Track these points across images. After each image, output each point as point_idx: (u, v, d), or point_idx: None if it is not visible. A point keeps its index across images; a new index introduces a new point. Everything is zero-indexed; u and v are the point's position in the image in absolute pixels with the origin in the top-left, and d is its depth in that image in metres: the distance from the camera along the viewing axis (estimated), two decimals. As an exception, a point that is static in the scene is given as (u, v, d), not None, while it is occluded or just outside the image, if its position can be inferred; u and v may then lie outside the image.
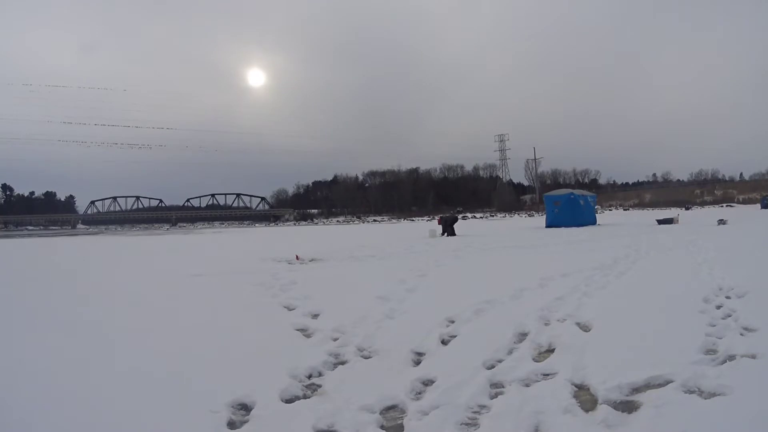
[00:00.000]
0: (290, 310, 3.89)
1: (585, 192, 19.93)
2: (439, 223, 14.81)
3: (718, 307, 3.48)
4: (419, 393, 2.29)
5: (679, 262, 5.87)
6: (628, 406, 2.05)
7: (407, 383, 2.36)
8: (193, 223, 65.72)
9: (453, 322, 3.39)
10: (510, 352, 2.78)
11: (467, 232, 14.74)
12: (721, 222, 14.26)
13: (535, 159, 68.39)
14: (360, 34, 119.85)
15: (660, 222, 16.68)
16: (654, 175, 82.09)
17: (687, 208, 43.19)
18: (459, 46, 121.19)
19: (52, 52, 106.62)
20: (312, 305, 3.91)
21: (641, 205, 64.67)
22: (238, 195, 77.83)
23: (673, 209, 38.52)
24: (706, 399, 2.04)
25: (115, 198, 76.51)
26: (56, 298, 4.51)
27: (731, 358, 2.46)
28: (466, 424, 1.97)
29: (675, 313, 3.36)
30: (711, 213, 27.25)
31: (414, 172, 76.49)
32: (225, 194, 78.62)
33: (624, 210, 53.64)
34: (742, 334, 2.83)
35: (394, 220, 51.16)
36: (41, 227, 58.03)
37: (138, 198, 76.56)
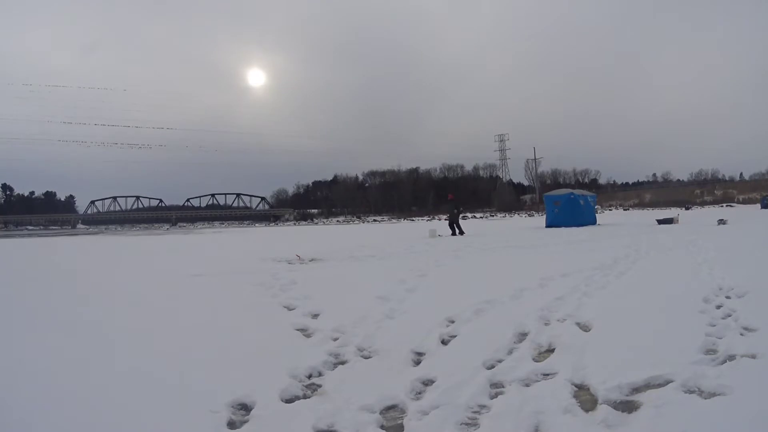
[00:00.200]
0: (290, 310, 3.89)
1: (585, 192, 19.91)
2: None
3: (718, 307, 3.48)
4: (419, 393, 2.29)
5: (679, 262, 5.87)
6: (628, 406, 2.05)
7: (407, 383, 2.36)
8: (193, 223, 65.68)
9: (453, 322, 3.39)
10: (510, 352, 2.78)
11: (467, 232, 14.73)
12: (721, 222, 14.26)
13: (535, 159, 68.44)
14: (360, 34, 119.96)
15: (660, 222, 16.67)
16: (654, 175, 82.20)
17: (687, 208, 43.18)
18: (459, 46, 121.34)
19: (52, 52, 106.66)
20: (312, 305, 3.91)
21: (641, 205, 64.65)
22: (238, 195, 77.87)
23: (673, 209, 38.52)
24: (706, 399, 2.04)
25: (115, 198, 76.59)
26: (56, 298, 4.51)
27: (731, 358, 2.46)
28: (466, 424, 1.97)
29: (675, 313, 3.36)
30: (711, 213, 27.25)
31: (414, 172, 76.52)
32: (225, 194, 78.70)
33: (624, 210, 53.62)
34: (742, 334, 2.83)
35: (394, 220, 51.14)
36: (41, 227, 57.99)
37: (138, 198, 76.62)
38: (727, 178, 73.60)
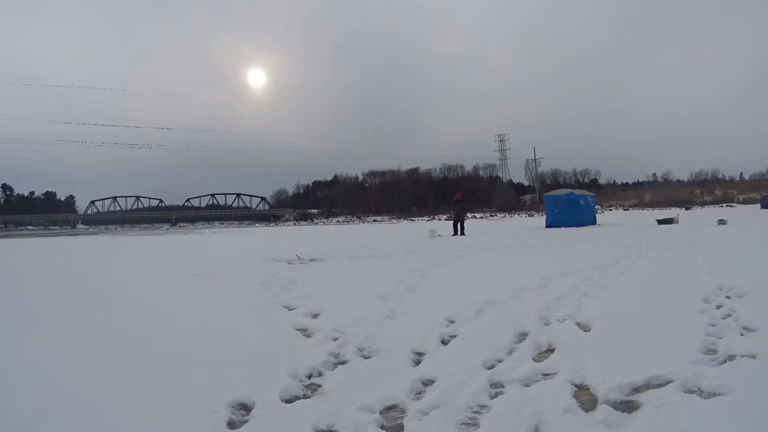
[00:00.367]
0: (290, 310, 3.89)
1: (585, 192, 19.91)
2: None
3: (718, 307, 3.48)
4: (419, 393, 2.29)
5: (679, 262, 5.87)
6: (628, 406, 2.05)
7: (407, 383, 2.36)
8: (193, 223, 65.70)
9: (453, 322, 3.39)
10: (510, 352, 2.78)
11: (468, 232, 14.73)
12: (721, 222, 14.25)
13: (535, 159, 68.43)
14: (360, 34, 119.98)
15: (660, 222, 16.67)
16: (654, 175, 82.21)
17: (687, 208, 43.19)
18: (459, 46, 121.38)
19: (52, 52, 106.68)
20: (312, 305, 3.91)
21: (641, 205, 64.66)
22: (238, 195, 77.86)
23: (673, 209, 38.52)
24: (706, 399, 2.04)
25: (115, 198, 76.57)
26: (56, 298, 4.50)
27: (731, 358, 2.46)
28: (466, 424, 1.97)
29: (675, 313, 3.36)
30: (711, 213, 27.25)
31: (414, 172, 76.53)
32: (225, 194, 78.69)
33: (624, 210, 53.62)
34: (742, 334, 2.83)
35: (394, 220, 51.14)
36: (41, 227, 58.03)
37: (138, 198, 76.61)
38: (727, 178, 73.67)
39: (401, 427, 2.00)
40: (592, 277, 4.97)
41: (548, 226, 17.03)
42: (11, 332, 3.27)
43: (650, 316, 3.34)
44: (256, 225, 57.16)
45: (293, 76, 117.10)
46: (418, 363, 2.70)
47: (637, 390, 2.19)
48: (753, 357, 2.43)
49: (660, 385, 2.21)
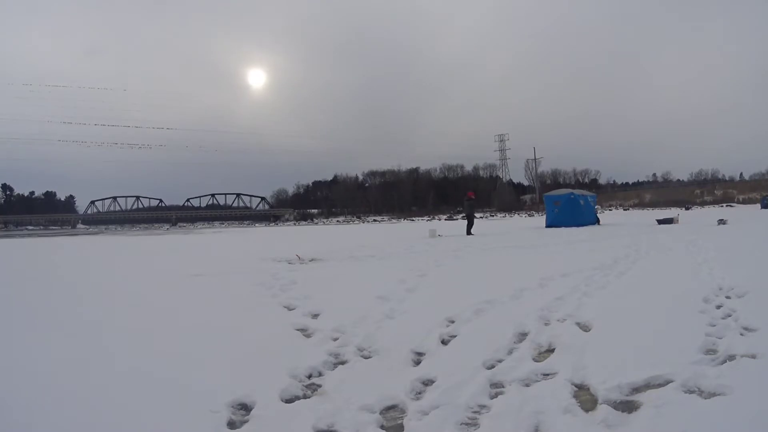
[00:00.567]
0: (290, 310, 3.89)
1: (585, 192, 19.91)
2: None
3: (718, 307, 3.48)
4: (419, 393, 2.29)
5: (679, 262, 5.87)
6: (628, 406, 2.05)
7: (407, 383, 2.36)
8: (193, 223, 65.72)
9: (453, 322, 3.39)
10: (510, 352, 2.78)
11: (470, 232, 14.74)
12: (721, 222, 14.26)
13: (535, 159, 68.46)
14: (360, 34, 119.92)
15: (660, 222, 16.68)
16: (654, 175, 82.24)
17: (687, 208, 43.18)
18: (459, 46, 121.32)
19: (52, 52, 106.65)
20: (312, 305, 3.91)
21: (641, 205, 64.66)
22: (238, 195, 77.89)
23: (673, 209, 38.51)
24: (706, 399, 2.04)
25: (115, 198, 76.61)
26: (56, 298, 4.51)
27: (731, 358, 2.46)
28: (466, 424, 1.97)
29: (675, 313, 3.36)
30: (711, 213, 27.24)
31: (414, 172, 76.56)
32: (225, 194, 78.73)
33: (624, 210, 53.61)
34: (742, 334, 2.83)
35: (394, 220, 51.15)
36: (41, 227, 58.05)
37: (138, 198, 76.66)
38: (727, 178, 73.69)
39: (401, 427, 2.00)
40: (592, 277, 4.97)
41: (548, 226, 17.03)
42: (11, 332, 3.27)
43: (650, 316, 3.34)
44: (256, 225, 57.18)
45: (293, 76, 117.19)
46: (418, 363, 2.70)
47: (637, 390, 2.19)
48: (753, 357, 2.43)
49: (660, 385, 2.21)
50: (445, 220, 45.20)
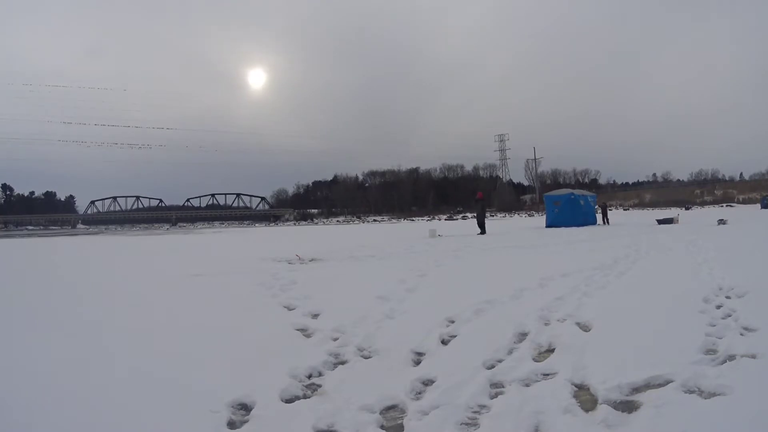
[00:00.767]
0: (290, 310, 3.89)
1: (585, 192, 19.92)
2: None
3: (718, 307, 3.48)
4: (419, 393, 2.29)
5: (679, 262, 5.88)
6: (628, 406, 2.05)
7: (407, 383, 2.36)
8: (193, 223, 65.74)
9: (453, 322, 3.39)
10: (510, 352, 2.78)
11: (467, 232, 14.75)
12: (721, 222, 14.26)
13: (535, 159, 68.51)
14: (360, 34, 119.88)
15: (660, 222, 16.69)
16: (654, 175, 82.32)
17: (687, 208, 43.20)
18: (459, 45, 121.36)
19: (52, 52, 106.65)
20: (312, 305, 3.91)
21: (641, 205, 64.66)
22: (238, 195, 77.92)
23: (673, 209, 38.54)
24: (706, 399, 2.04)
25: (115, 198, 76.66)
26: (56, 298, 4.51)
27: (731, 358, 2.46)
28: (466, 424, 1.97)
29: (675, 313, 3.36)
30: (711, 213, 27.24)
31: (414, 172, 76.60)
32: (225, 194, 78.78)
33: (624, 210, 53.61)
34: (742, 334, 2.83)
35: (394, 220, 51.15)
36: (41, 227, 58.06)
37: (138, 198, 76.70)
38: (727, 178, 73.75)
39: (401, 427, 2.00)
40: (592, 277, 4.97)
41: (548, 226, 17.04)
42: (11, 332, 3.27)
43: (650, 316, 3.34)
44: (256, 225, 57.20)
45: (293, 76, 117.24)
46: (418, 363, 2.70)
47: (637, 390, 2.19)
48: (753, 357, 2.43)
49: (660, 385, 2.21)
50: (445, 220, 45.20)
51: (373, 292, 4.30)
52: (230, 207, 77.31)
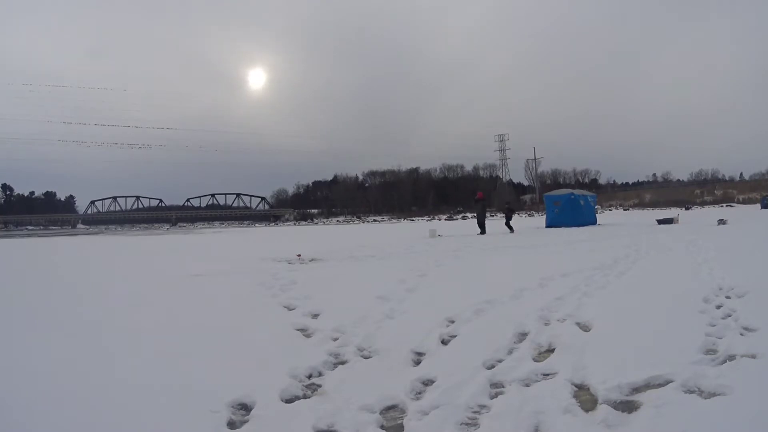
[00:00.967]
0: (290, 310, 3.89)
1: (585, 192, 19.91)
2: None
3: (718, 307, 3.48)
4: (419, 393, 2.29)
5: (679, 262, 5.87)
6: (628, 406, 2.05)
7: (407, 383, 2.36)
8: (193, 223, 65.73)
9: (453, 322, 3.39)
10: (510, 352, 2.78)
11: (467, 232, 14.75)
12: (721, 222, 14.25)
13: (535, 159, 68.47)
14: (360, 34, 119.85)
15: (660, 222, 16.68)
16: (654, 175, 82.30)
17: (687, 208, 43.18)
18: (459, 45, 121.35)
19: (52, 52, 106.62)
20: (312, 305, 3.91)
21: (641, 205, 64.64)
22: (238, 195, 77.91)
23: (673, 209, 38.51)
24: (706, 399, 2.04)
25: (115, 198, 76.65)
26: (56, 298, 4.51)
27: (731, 358, 2.46)
28: (466, 424, 1.97)
29: (675, 313, 3.36)
30: (711, 213, 27.24)
31: (414, 171, 76.59)
32: (225, 194, 78.77)
33: (624, 210, 53.62)
34: (742, 334, 2.83)
35: (394, 220, 51.14)
36: (41, 227, 58.06)
37: (138, 198, 76.70)
38: (727, 178, 73.75)
39: (401, 427, 2.00)
40: (592, 277, 4.97)
41: (548, 226, 17.02)
42: (11, 332, 3.27)
43: (650, 316, 3.34)
44: (256, 225, 57.19)
45: (293, 76, 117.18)
46: (418, 363, 2.70)
47: (637, 390, 2.19)
48: (753, 357, 2.43)
49: (660, 385, 2.21)
50: (445, 220, 45.19)
51: (373, 292, 4.30)
52: (230, 207, 77.33)
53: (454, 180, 77.11)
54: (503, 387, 2.31)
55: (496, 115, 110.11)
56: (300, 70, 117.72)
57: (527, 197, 70.32)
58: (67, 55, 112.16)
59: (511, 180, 80.00)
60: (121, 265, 7.97)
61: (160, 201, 77.52)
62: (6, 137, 62.19)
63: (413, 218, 53.80)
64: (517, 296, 4.09)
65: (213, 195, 78.66)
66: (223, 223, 65.47)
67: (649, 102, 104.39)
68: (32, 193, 77.00)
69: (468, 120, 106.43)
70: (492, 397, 2.20)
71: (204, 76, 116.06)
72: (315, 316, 3.65)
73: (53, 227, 58.49)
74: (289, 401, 2.22)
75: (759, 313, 3.15)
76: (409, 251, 8.50)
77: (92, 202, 76.10)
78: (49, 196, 77.61)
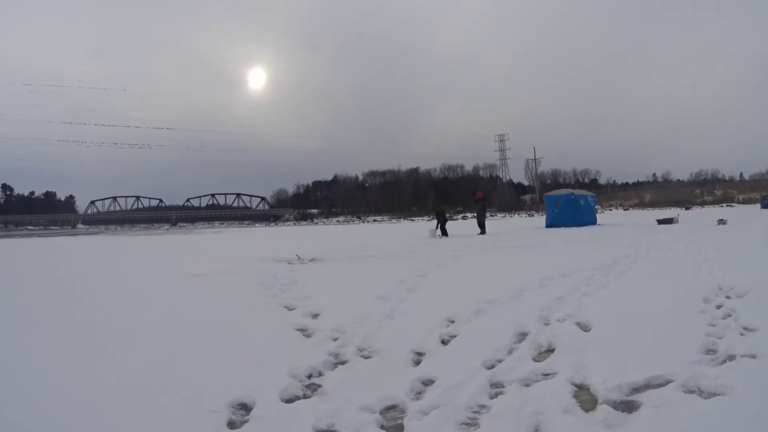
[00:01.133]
0: (290, 310, 3.89)
1: (585, 192, 19.91)
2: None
3: (718, 307, 3.48)
4: (419, 393, 2.29)
5: (679, 262, 5.87)
6: (628, 406, 2.05)
7: (407, 383, 2.36)
8: (193, 223, 65.66)
9: (453, 322, 3.39)
10: (510, 352, 2.78)
11: (467, 232, 14.75)
12: (721, 222, 14.25)
13: (535, 159, 68.45)
14: (360, 33, 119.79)
15: (660, 222, 16.67)
16: (654, 175, 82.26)
17: (687, 208, 43.17)
18: (459, 45, 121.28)
19: (53, 52, 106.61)
20: (312, 305, 3.91)
21: (641, 205, 64.62)
22: (238, 195, 77.84)
23: (673, 209, 38.49)
24: (706, 399, 2.04)
25: (115, 198, 76.55)
26: (55, 298, 4.51)
27: (731, 358, 2.46)
28: (466, 424, 1.97)
29: (675, 313, 3.36)
30: (711, 213, 27.24)
31: (414, 171, 76.53)
32: (225, 194, 78.66)
33: (624, 210, 53.61)
34: (742, 334, 2.83)
35: (394, 220, 51.14)
36: (41, 227, 58.01)
37: (138, 198, 76.60)
38: (727, 178, 73.70)
39: (401, 427, 2.00)
40: (592, 277, 4.97)
41: (548, 226, 17.02)
42: (11, 332, 3.27)
43: (650, 316, 3.34)
44: (256, 225, 57.15)
45: (293, 75, 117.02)
46: (418, 363, 2.70)
47: (637, 390, 2.19)
48: (753, 357, 2.43)
49: (660, 385, 2.21)
50: (447, 218, 45.05)
51: (373, 292, 4.30)
52: (230, 207, 77.27)
53: (454, 180, 77.09)
54: (503, 387, 2.31)
55: (496, 115, 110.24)
56: (300, 70, 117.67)
57: (527, 197, 70.31)
58: (67, 55, 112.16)
59: (511, 180, 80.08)
60: (121, 265, 7.97)
61: (160, 201, 77.52)
62: (6, 137, 62.15)
63: (413, 218, 53.77)
64: (517, 296, 4.09)
65: (213, 195, 78.65)
66: (223, 223, 65.41)
67: (649, 102, 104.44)
68: (32, 193, 77.02)
69: (468, 120, 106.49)
70: (492, 397, 2.20)
71: (204, 76, 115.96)
72: (315, 316, 3.65)
73: (53, 227, 58.46)
74: (289, 401, 2.22)
75: (759, 313, 3.15)
76: (409, 251, 8.50)
77: (92, 202, 76.11)
78: (49, 196, 77.59)
